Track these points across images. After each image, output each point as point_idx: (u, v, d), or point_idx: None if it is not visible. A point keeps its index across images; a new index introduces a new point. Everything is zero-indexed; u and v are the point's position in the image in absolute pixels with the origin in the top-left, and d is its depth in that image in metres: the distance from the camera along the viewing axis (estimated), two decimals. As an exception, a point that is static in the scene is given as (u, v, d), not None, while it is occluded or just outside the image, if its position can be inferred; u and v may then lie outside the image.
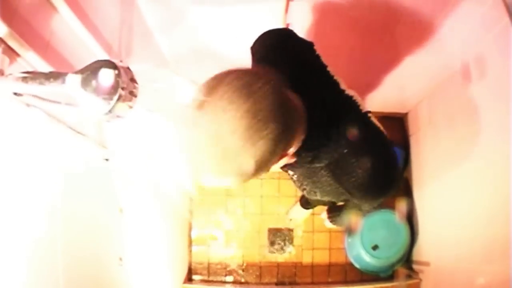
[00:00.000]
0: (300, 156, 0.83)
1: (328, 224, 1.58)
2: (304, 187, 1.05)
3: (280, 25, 1.39)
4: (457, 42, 1.64)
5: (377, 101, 2.17)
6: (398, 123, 2.44)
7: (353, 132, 0.82)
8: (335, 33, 1.65)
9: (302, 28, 1.52)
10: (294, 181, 1.10)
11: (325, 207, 1.60)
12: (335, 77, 0.91)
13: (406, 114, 2.42)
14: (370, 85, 2.06)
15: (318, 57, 0.95)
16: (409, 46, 1.75)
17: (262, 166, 0.64)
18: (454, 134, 1.85)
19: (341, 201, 1.35)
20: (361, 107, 0.89)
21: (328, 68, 0.92)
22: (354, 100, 0.89)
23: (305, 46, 0.97)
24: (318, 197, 1.08)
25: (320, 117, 0.80)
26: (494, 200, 1.50)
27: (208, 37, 1.68)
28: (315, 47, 0.97)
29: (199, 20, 1.56)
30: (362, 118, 0.88)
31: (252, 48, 1.03)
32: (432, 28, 1.60)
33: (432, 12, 1.53)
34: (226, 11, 1.51)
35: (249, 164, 0.63)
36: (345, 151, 0.83)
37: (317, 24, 1.56)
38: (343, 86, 0.91)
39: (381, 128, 0.91)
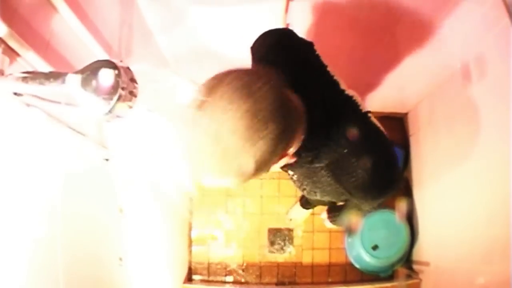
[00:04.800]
0: (300, 156, 0.83)
1: (328, 224, 1.57)
2: (304, 187, 1.05)
3: (280, 25, 1.39)
4: (457, 42, 1.64)
5: (377, 101, 2.17)
6: (398, 123, 2.44)
7: (353, 132, 0.83)
8: (335, 33, 1.65)
9: (302, 28, 1.52)
10: (294, 181, 1.10)
11: (325, 207, 1.60)
12: (335, 77, 0.91)
13: (406, 114, 2.42)
14: (370, 85, 2.06)
15: (318, 56, 0.95)
16: (409, 46, 1.75)
17: (262, 166, 0.64)
18: (454, 134, 1.85)
19: (341, 201, 1.35)
20: (361, 107, 0.89)
21: (328, 68, 0.92)
22: (354, 100, 0.89)
23: (305, 46, 0.97)
24: (318, 197, 1.07)
25: (320, 117, 0.80)
26: (494, 200, 1.50)
27: (208, 37, 1.68)
28: (315, 47, 0.97)
29: (199, 20, 1.56)
30: (362, 118, 0.88)
31: (252, 48, 1.03)
32: (432, 28, 1.60)
33: (432, 12, 1.53)
34: (226, 11, 1.51)
35: (249, 164, 0.62)
36: (345, 151, 0.83)
37: (317, 24, 1.56)
38: (343, 86, 0.91)
39: (381, 128, 0.91)
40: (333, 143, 0.83)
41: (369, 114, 0.90)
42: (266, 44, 0.99)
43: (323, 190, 0.99)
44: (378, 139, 0.90)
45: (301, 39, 0.99)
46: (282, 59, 0.92)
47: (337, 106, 0.86)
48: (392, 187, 0.93)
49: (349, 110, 0.87)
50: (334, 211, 1.50)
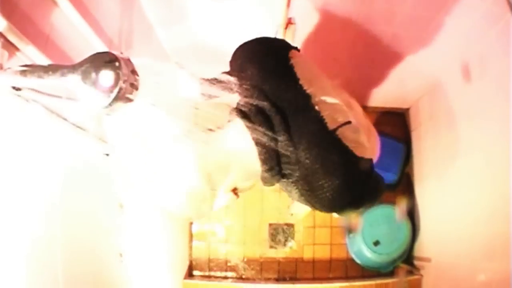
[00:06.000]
0: (271, 171, 0.86)
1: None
2: (284, 191, 1.06)
3: (281, 19, 1.38)
4: (459, 38, 1.63)
5: (378, 97, 2.16)
6: (399, 118, 2.43)
7: (315, 152, 0.83)
8: (338, 28, 1.64)
9: (303, 22, 1.51)
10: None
11: None
12: (308, 91, 0.88)
13: (407, 110, 2.41)
14: (372, 80, 2.05)
15: (291, 68, 0.91)
16: (411, 42, 1.74)
17: None
18: (454, 130, 1.84)
19: None
20: (328, 125, 0.86)
21: (301, 81, 0.89)
22: (321, 117, 0.86)
23: (278, 58, 0.93)
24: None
25: (284, 136, 0.83)
26: (495, 196, 1.50)
27: (209, 31, 1.67)
28: (290, 55, 0.93)
29: (199, 14, 1.55)
30: (327, 138, 0.86)
31: (230, 62, 0.98)
32: (434, 24, 1.59)
33: (434, 8, 1.52)
34: (226, 5, 1.50)
35: None
36: (309, 171, 0.84)
37: (319, 19, 1.55)
38: (317, 98, 0.88)
39: (351, 144, 0.88)
40: (297, 162, 0.84)
41: (338, 131, 0.87)
42: (238, 61, 0.95)
43: (298, 200, 0.99)
44: (342, 158, 0.86)
45: (275, 50, 0.95)
46: (252, 75, 0.89)
47: (301, 125, 0.85)
48: (363, 201, 0.93)
49: (314, 128, 0.86)
50: None
